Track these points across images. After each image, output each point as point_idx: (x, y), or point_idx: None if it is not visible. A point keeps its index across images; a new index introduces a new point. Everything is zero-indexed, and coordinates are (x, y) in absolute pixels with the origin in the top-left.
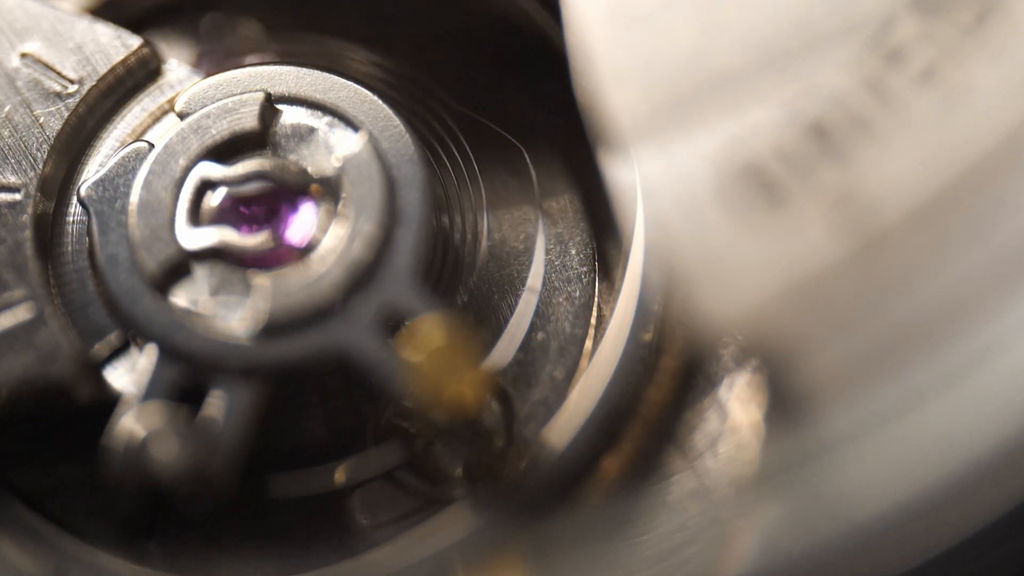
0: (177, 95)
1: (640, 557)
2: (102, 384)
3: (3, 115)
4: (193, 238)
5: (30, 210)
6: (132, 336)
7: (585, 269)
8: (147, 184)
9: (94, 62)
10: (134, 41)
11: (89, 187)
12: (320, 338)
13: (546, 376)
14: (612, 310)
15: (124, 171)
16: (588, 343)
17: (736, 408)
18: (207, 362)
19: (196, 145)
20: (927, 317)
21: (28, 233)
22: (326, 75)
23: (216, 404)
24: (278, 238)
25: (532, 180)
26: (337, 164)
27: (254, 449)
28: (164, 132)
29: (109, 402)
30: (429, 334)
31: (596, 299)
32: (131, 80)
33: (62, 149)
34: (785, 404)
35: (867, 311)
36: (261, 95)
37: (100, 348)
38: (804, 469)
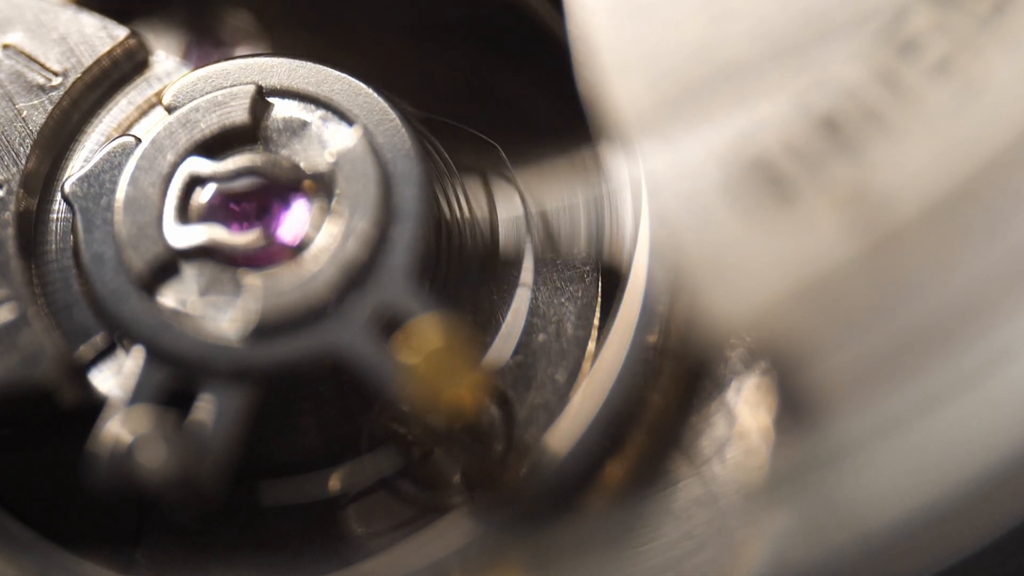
0: (165, 88)
1: (645, 566)
2: (87, 387)
3: None
4: (181, 236)
5: (12, 207)
6: (118, 338)
7: (588, 268)
8: (134, 180)
9: (79, 53)
10: (120, 32)
11: (74, 183)
12: (313, 340)
13: (547, 379)
14: (616, 311)
15: (110, 167)
16: (591, 345)
17: (744, 412)
18: (196, 364)
19: (184, 140)
20: (942, 318)
21: (10, 231)
22: (319, 67)
23: (205, 408)
24: (270, 236)
25: (514, 177)
26: (331, 159)
27: (245, 455)
28: (151, 126)
29: (94, 406)
30: (426, 335)
31: (599, 299)
32: (117, 72)
33: (46, 144)
34: (795, 408)
35: (880, 312)
36: (252, 88)
37: (85, 350)
38: (815, 475)
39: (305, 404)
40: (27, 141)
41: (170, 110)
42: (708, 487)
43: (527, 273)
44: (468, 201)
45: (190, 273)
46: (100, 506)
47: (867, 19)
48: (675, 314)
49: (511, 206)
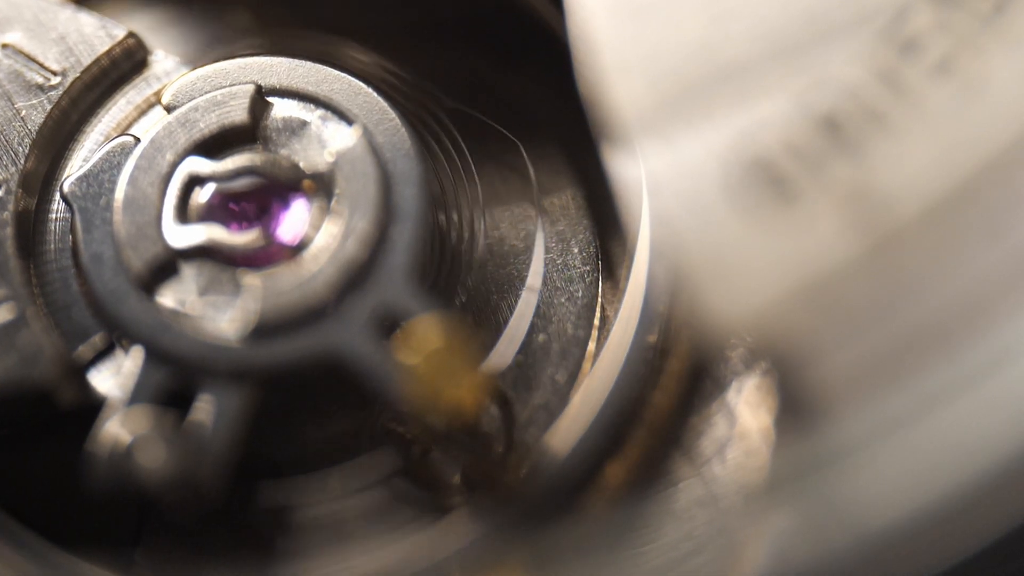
0: (164, 87)
1: (645, 567)
2: (86, 388)
3: None
4: (181, 236)
5: (11, 207)
6: (117, 338)
7: (588, 268)
8: (133, 180)
9: (78, 53)
10: (119, 31)
11: (73, 183)
12: (313, 340)
13: (547, 379)
14: (616, 311)
15: (109, 166)
16: (591, 345)
17: (745, 412)
18: (195, 365)
19: (184, 139)
20: (943, 318)
21: (9, 231)
22: (319, 67)
23: (204, 408)
24: (269, 236)
25: (531, 176)
26: (330, 159)
27: (244, 455)
28: (151, 126)
29: (93, 406)
30: (426, 336)
31: (599, 299)
32: (116, 72)
33: (44, 143)
34: (796, 408)
35: (881, 312)
36: (251, 87)
37: (84, 350)
38: (815, 476)
39: (305, 404)
40: (26, 140)
41: (169, 109)
42: (709, 488)
43: (535, 277)
44: (478, 200)
45: (189, 273)
46: (100, 506)
47: (868, 19)
48: (675, 314)
49: (524, 206)
